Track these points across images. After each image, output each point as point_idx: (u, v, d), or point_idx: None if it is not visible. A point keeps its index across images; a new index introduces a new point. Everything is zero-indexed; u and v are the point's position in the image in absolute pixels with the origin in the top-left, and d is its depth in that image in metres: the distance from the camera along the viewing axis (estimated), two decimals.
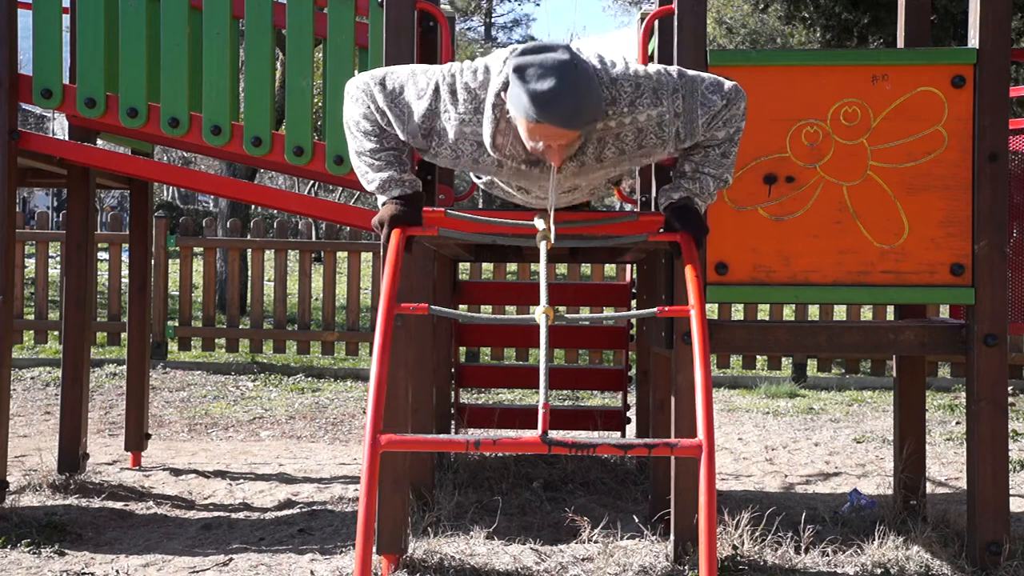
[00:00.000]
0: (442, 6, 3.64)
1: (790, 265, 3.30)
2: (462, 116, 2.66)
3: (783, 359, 8.55)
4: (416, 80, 2.72)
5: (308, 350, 8.68)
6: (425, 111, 2.69)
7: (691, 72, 2.76)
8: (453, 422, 5.05)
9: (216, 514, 4.14)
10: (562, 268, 8.77)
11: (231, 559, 3.49)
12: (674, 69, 2.74)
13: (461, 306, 5.75)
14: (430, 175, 3.38)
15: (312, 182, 18.35)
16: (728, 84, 2.75)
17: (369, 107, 2.75)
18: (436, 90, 2.68)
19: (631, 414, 5.15)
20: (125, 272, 6.77)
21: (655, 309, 2.69)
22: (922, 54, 3.44)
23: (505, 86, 2.55)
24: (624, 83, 2.63)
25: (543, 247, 2.72)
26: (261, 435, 6.08)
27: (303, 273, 8.78)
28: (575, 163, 2.69)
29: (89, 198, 4.50)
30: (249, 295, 9.22)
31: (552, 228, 2.70)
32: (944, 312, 5.53)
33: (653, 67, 2.72)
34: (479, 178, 3.19)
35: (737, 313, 9.99)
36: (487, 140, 2.64)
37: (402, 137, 2.76)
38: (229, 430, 6.21)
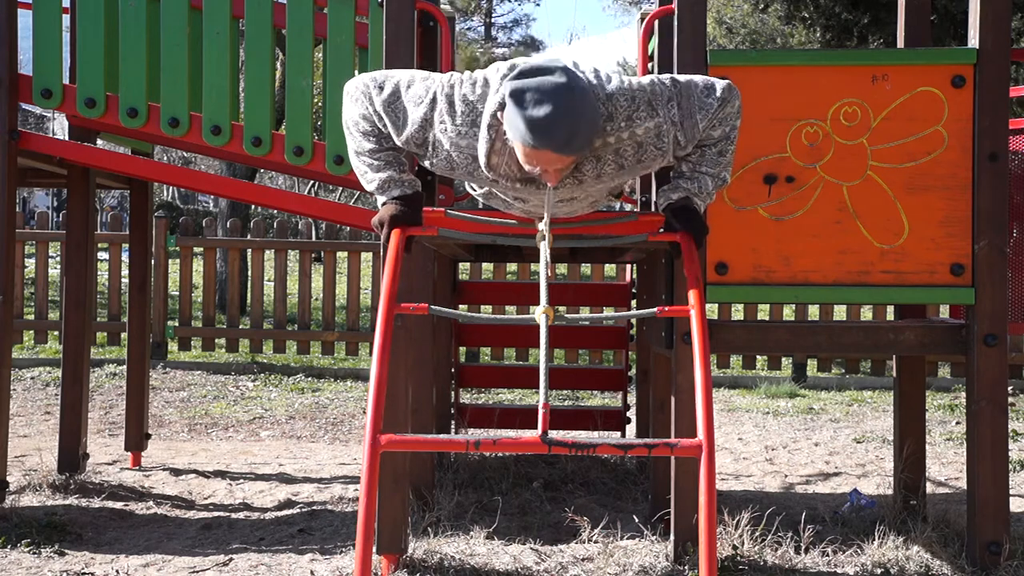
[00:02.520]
0: (442, 6, 3.64)
1: (790, 265, 3.30)
2: (459, 128, 2.64)
3: (783, 359, 8.55)
4: (415, 87, 2.71)
5: (308, 350, 8.68)
6: (421, 119, 2.67)
7: (683, 78, 2.76)
8: (453, 422, 5.05)
9: (216, 514, 4.14)
10: (562, 268, 8.77)
11: (231, 559, 3.49)
12: (667, 77, 2.73)
13: (461, 306, 5.75)
14: (430, 175, 3.38)
15: (312, 182, 18.35)
16: (721, 84, 2.74)
17: (367, 108, 2.75)
18: (434, 99, 2.67)
19: (631, 414, 5.15)
20: (125, 272, 6.77)
21: (655, 309, 2.69)
22: (922, 54, 3.44)
23: (501, 106, 2.53)
24: (620, 98, 2.61)
25: (543, 247, 2.72)
26: (261, 435, 6.08)
27: (303, 273, 8.78)
28: (572, 180, 2.69)
29: (89, 198, 4.50)
30: (249, 295, 9.22)
31: (548, 236, 2.69)
32: (944, 312, 5.53)
33: (647, 78, 2.71)
34: (474, 190, 3.19)
35: (737, 313, 9.99)
36: (482, 160, 2.63)
37: (397, 143, 2.75)
38: (229, 430, 6.21)
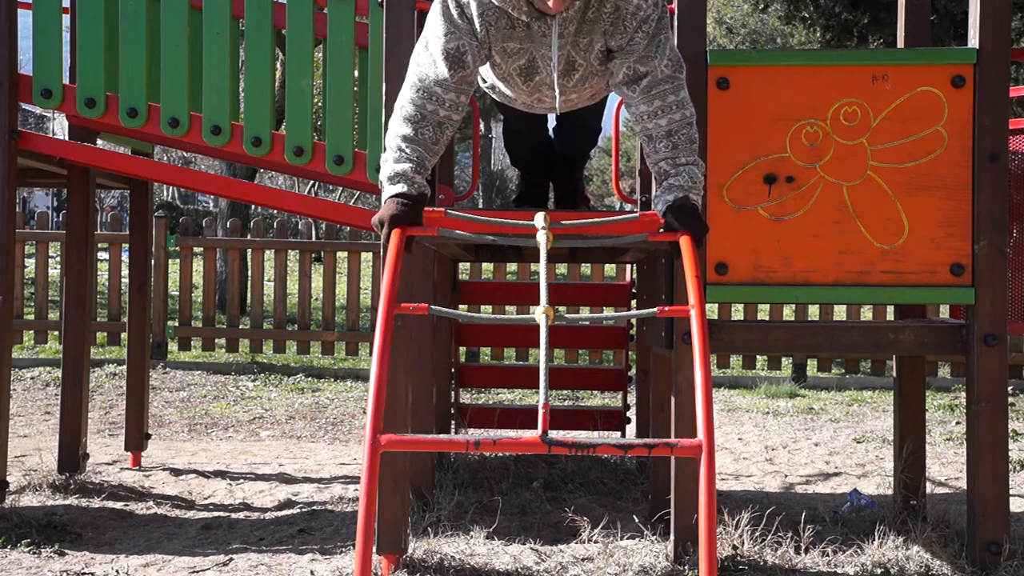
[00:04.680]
0: None
1: (790, 265, 3.30)
2: (468, 23, 2.86)
3: (783, 359, 8.55)
4: (432, 40, 2.90)
5: (308, 350, 8.68)
6: (456, 47, 2.87)
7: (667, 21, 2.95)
8: (453, 422, 5.05)
9: (216, 514, 4.14)
10: (562, 268, 8.77)
11: (231, 559, 3.49)
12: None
13: (461, 306, 5.75)
14: (430, 176, 3.38)
15: (312, 182, 18.35)
16: (677, 55, 2.94)
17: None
18: (445, 31, 2.87)
19: (631, 414, 5.15)
20: (125, 272, 6.77)
21: (655, 309, 2.69)
22: (922, 54, 3.43)
23: None
24: None
25: (543, 247, 2.71)
26: (261, 435, 6.08)
27: (303, 273, 8.79)
28: (564, 39, 2.88)
29: (89, 198, 4.50)
30: (249, 295, 9.22)
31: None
32: (944, 312, 5.52)
33: None
34: (484, 82, 3.32)
35: (737, 313, 9.99)
36: None
37: (477, 53, 2.90)
38: (229, 430, 6.21)
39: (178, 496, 4.44)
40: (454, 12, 2.88)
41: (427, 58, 2.90)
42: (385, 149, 2.94)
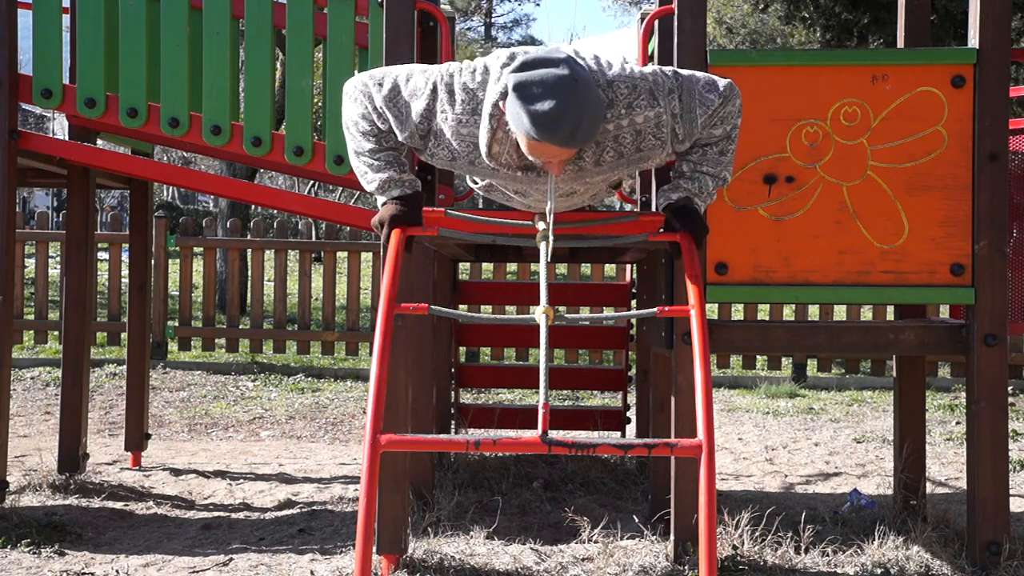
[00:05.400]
0: (442, 6, 3.64)
1: (790, 265, 3.30)
2: (459, 117, 2.66)
3: (783, 359, 8.55)
4: (414, 80, 2.72)
5: (308, 350, 8.68)
6: (423, 110, 2.69)
7: (686, 72, 2.76)
8: (453, 422, 5.05)
9: (216, 514, 4.14)
10: (562, 268, 8.77)
11: (231, 559, 3.49)
12: (669, 70, 2.74)
13: (461, 306, 5.75)
14: (430, 175, 3.38)
15: (312, 182, 18.34)
16: (723, 82, 2.75)
17: (367, 107, 2.75)
18: (434, 89, 2.68)
19: (631, 414, 5.15)
20: (125, 272, 6.77)
21: (655, 309, 2.69)
22: (922, 54, 3.44)
23: (503, 95, 2.54)
24: (621, 85, 2.62)
25: (543, 247, 2.71)
26: (261, 435, 6.08)
27: (303, 273, 8.78)
28: (573, 167, 2.69)
29: (89, 198, 4.50)
30: (249, 295, 9.22)
31: (551, 230, 2.70)
32: (944, 312, 5.53)
33: (649, 68, 2.72)
34: (475, 182, 3.19)
35: (737, 313, 9.99)
36: (483, 148, 2.64)
37: (400, 138, 2.76)
38: (229, 430, 6.21)
39: (178, 496, 4.44)
40: (459, 94, 2.65)
41: (400, 100, 2.71)
42: (352, 168, 2.88)
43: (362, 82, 2.77)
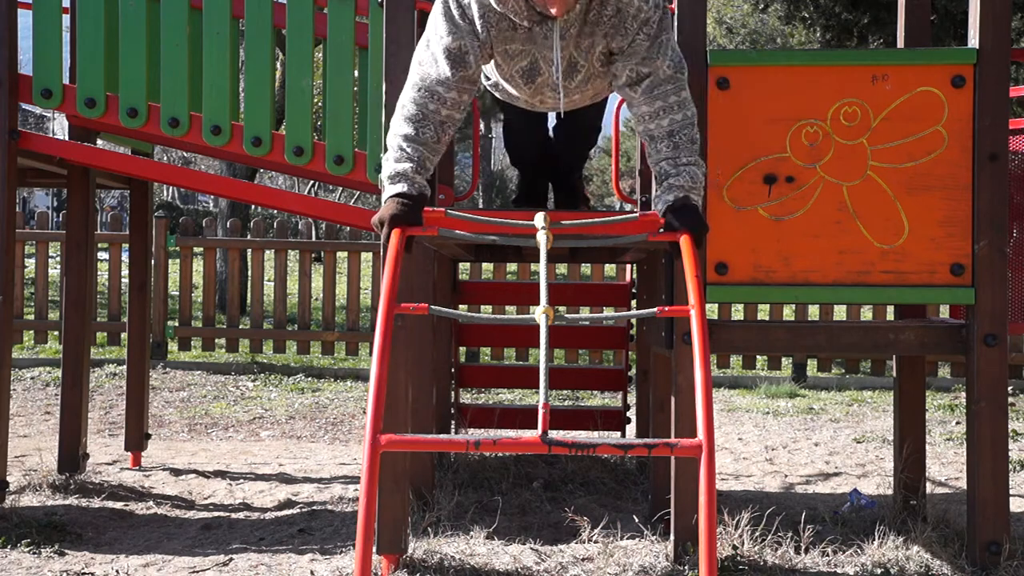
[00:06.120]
0: None
1: (790, 265, 3.30)
2: (469, 24, 2.87)
3: (783, 359, 8.55)
4: (432, 40, 2.91)
5: (308, 350, 8.68)
6: (457, 47, 2.87)
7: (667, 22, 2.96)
8: (453, 422, 5.05)
9: (216, 514, 4.14)
10: (562, 268, 8.77)
11: (231, 559, 3.49)
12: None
13: (461, 306, 5.75)
14: (430, 176, 3.37)
15: (312, 182, 18.35)
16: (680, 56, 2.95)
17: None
18: (447, 29, 2.87)
19: (631, 414, 5.15)
20: (125, 272, 6.77)
21: (655, 309, 2.69)
22: (922, 54, 3.43)
23: None
24: None
25: (543, 247, 2.71)
26: (261, 435, 6.08)
27: (303, 273, 8.79)
28: (566, 40, 2.90)
29: (89, 198, 4.50)
30: (249, 295, 9.22)
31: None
32: (944, 312, 5.52)
33: None
34: (487, 80, 3.34)
35: (737, 313, 9.99)
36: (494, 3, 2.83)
37: (476, 74, 2.92)
38: (229, 430, 6.21)
39: (178, 496, 4.44)
40: (455, 13, 2.89)
41: (428, 57, 2.90)
42: (386, 149, 2.94)
43: (420, 57, 2.93)
